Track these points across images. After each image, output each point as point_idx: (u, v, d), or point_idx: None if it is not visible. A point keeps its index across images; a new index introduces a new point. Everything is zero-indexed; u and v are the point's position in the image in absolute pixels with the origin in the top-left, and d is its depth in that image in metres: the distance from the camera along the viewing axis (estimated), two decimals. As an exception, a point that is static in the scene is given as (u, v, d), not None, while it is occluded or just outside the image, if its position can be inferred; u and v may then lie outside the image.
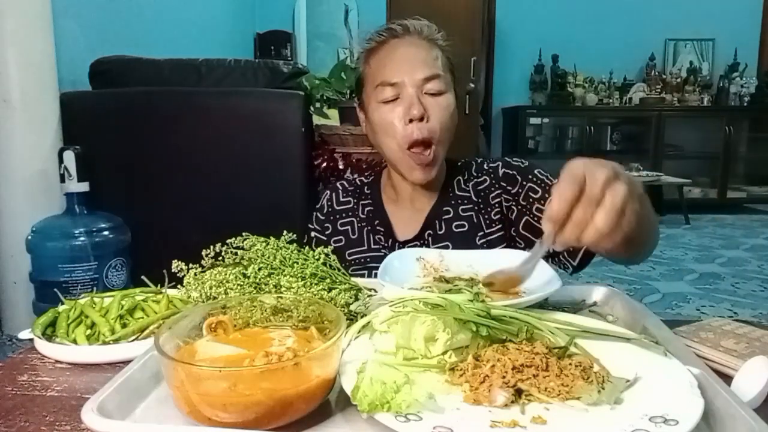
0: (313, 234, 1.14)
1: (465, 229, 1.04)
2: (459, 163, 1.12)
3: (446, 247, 0.99)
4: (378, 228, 1.09)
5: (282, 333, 0.56)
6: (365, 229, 1.09)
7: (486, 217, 1.04)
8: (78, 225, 1.91)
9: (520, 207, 1.02)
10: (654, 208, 0.80)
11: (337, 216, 1.13)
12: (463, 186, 1.09)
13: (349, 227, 1.11)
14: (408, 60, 0.99)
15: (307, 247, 0.71)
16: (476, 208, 1.05)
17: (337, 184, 1.18)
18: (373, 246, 1.08)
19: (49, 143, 2.07)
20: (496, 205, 1.04)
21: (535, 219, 0.99)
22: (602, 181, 0.60)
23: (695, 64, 5.76)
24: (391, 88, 0.99)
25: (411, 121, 0.97)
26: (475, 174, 1.09)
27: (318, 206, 1.17)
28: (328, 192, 1.17)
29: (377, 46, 1.03)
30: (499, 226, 1.03)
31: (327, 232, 1.12)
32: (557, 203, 0.61)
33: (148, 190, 2.11)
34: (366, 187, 1.15)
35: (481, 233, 1.03)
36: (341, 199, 1.15)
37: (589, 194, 0.60)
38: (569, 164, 0.63)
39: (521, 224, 1.01)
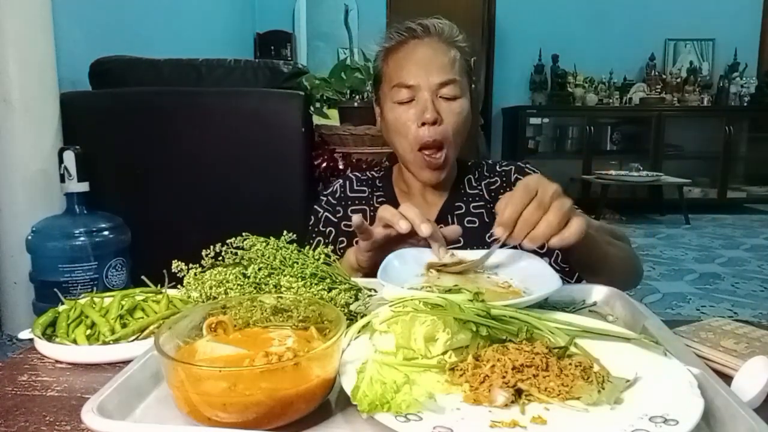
0: (321, 215, 1.14)
1: (476, 225, 1.07)
2: (469, 163, 1.16)
3: (457, 242, 1.00)
4: None
5: (282, 333, 0.56)
6: None
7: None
8: (78, 225, 1.91)
9: None
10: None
11: (349, 203, 1.14)
12: (473, 184, 1.12)
13: (361, 215, 1.12)
14: (425, 63, 1.00)
15: (307, 247, 0.71)
16: (487, 206, 1.09)
17: (350, 174, 1.20)
18: None
19: (49, 143, 2.07)
20: None
21: None
22: (552, 191, 0.71)
23: (695, 64, 5.77)
24: (407, 90, 1.00)
25: (423, 124, 0.99)
26: (487, 174, 1.13)
27: (329, 191, 1.17)
28: (341, 180, 1.18)
29: (396, 45, 1.04)
30: None
31: (338, 215, 1.13)
32: (510, 209, 0.70)
33: (148, 190, 2.11)
34: (378, 181, 1.17)
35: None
36: (355, 188, 1.16)
37: (540, 199, 0.70)
38: (524, 179, 0.74)
39: None
